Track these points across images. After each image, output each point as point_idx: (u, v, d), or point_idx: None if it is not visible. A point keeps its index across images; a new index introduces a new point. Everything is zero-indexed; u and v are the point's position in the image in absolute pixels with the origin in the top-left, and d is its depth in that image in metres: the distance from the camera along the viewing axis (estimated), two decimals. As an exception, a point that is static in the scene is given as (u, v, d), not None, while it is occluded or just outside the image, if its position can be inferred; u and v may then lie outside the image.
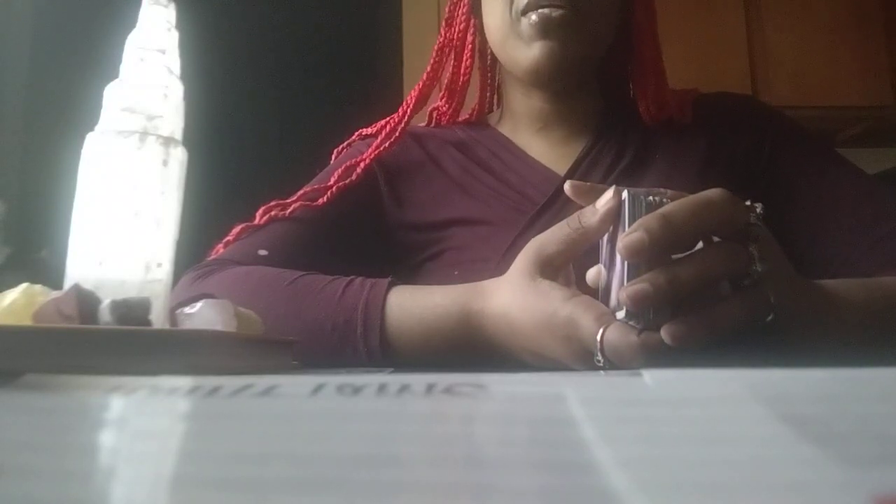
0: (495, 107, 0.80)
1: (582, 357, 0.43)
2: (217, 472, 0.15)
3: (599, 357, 0.40)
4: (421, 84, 0.73)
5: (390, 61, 1.82)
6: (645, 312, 0.39)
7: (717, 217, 0.40)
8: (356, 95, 1.63)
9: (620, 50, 0.70)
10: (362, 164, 0.69)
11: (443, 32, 0.73)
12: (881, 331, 0.48)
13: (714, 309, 0.39)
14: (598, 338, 0.40)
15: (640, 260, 0.38)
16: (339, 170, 0.69)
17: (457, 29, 0.73)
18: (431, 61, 0.73)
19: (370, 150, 0.70)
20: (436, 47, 0.73)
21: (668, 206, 0.39)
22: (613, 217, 0.42)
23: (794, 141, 0.69)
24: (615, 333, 0.39)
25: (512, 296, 0.46)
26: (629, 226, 0.39)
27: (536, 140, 0.72)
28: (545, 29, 0.62)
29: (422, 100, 0.73)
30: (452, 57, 0.73)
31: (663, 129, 0.69)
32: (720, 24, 2.08)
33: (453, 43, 0.73)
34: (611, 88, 0.74)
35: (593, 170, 0.68)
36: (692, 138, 0.69)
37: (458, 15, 0.73)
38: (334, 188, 0.68)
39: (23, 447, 0.16)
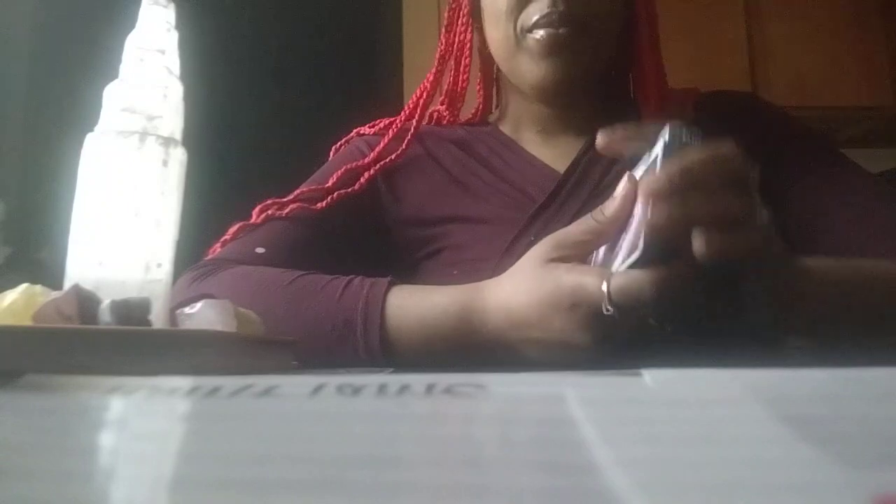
0: (496, 105, 0.79)
1: (589, 324, 0.44)
2: (217, 472, 0.15)
3: (608, 306, 0.42)
4: (425, 95, 0.71)
5: (390, 61, 1.82)
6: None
7: (734, 172, 0.41)
8: (356, 95, 1.63)
9: (621, 52, 0.70)
10: (366, 175, 0.68)
11: (443, 40, 0.73)
12: (856, 309, 0.50)
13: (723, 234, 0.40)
14: (605, 287, 0.42)
15: (662, 203, 0.40)
16: (339, 172, 0.69)
17: (456, 37, 0.72)
18: (434, 70, 0.72)
19: (372, 156, 0.70)
20: (437, 55, 0.73)
21: (690, 158, 0.40)
22: (631, 203, 0.43)
23: (795, 137, 0.69)
24: (621, 276, 0.41)
25: (514, 285, 0.48)
26: (662, 160, 0.41)
27: (536, 138, 0.72)
28: (552, 46, 0.62)
29: (425, 109, 0.72)
30: (452, 64, 0.73)
31: None
32: (720, 24, 2.08)
33: (453, 50, 0.72)
34: (612, 88, 0.74)
35: (592, 168, 0.68)
36: None
37: (456, 22, 0.72)
38: (335, 195, 0.67)
39: (23, 448, 0.16)
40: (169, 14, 0.41)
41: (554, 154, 0.70)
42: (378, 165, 0.69)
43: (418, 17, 1.92)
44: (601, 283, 0.42)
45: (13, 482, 0.14)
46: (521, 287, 0.47)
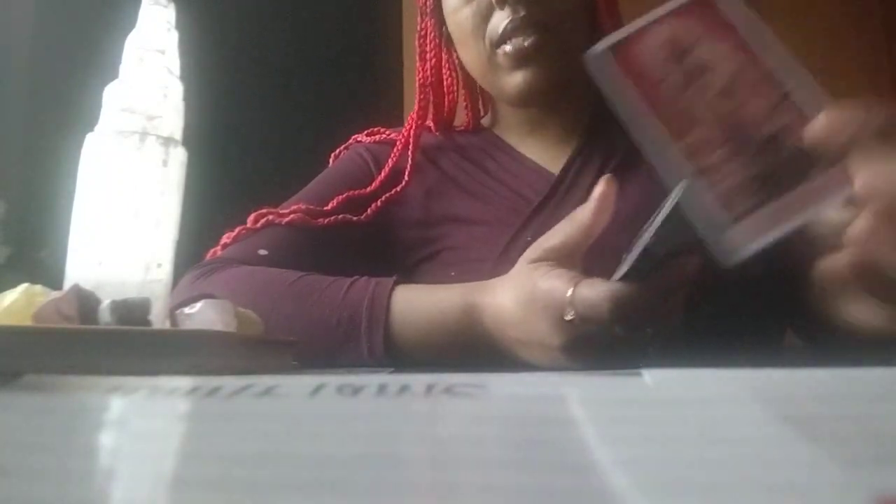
0: (486, 111, 0.79)
1: (562, 326, 0.44)
2: (217, 472, 0.15)
3: (571, 312, 0.43)
4: (415, 128, 0.71)
5: (390, 62, 1.82)
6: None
7: None
8: (356, 96, 1.63)
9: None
10: (373, 207, 0.68)
11: (419, 69, 0.72)
12: None
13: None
14: (569, 293, 0.43)
15: None
16: (340, 197, 0.68)
17: (429, 65, 0.72)
18: (418, 100, 0.72)
19: (376, 184, 0.69)
20: (417, 83, 0.73)
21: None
22: (609, 204, 0.45)
23: None
24: (585, 287, 0.42)
25: (503, 286, 0.49)
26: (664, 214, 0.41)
27: (530, 140, 0.72)
28: (521, 59, 0.62)
29: (418, 140, 0.72)
30: (432, 91, 0.73)
31: None
32: (720, 24, 2.08)
33: (430, 78, 0.72)
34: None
35: (586, 167, 0.68)
36: None
37: (428, 50, 0.72)
38: (339, 218, 0.67)
39: (23, 448, 0.16)
40: (169, 14, 0.41)
41: (549, 155, 0.70)
42: (385, 197, 0.69)
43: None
44: (567, 290, 0.43)
45: (13, 482, 0.14)
46: (507, 287, 0.48)
